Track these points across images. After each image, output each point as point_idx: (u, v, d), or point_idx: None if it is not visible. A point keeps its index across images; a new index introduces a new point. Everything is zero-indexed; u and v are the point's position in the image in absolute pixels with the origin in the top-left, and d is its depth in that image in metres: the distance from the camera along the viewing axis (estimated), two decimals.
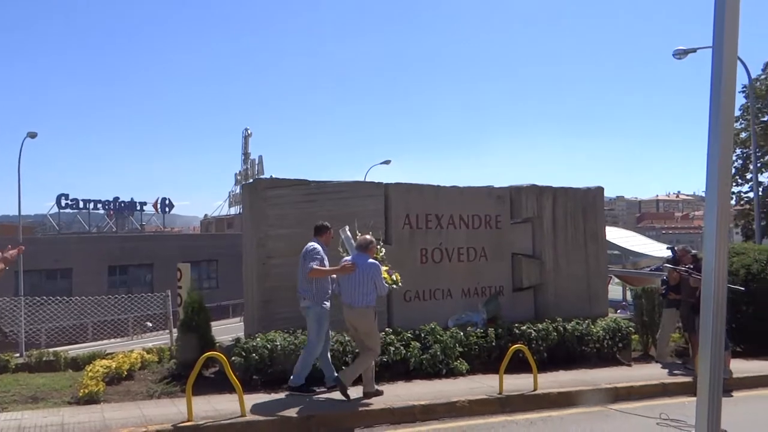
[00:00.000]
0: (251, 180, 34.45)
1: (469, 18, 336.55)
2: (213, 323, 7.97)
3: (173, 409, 6.18)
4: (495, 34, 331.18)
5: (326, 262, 6.86)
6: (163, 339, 10.38)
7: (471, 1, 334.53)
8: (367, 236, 6.94)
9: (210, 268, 35.46)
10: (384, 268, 6.95)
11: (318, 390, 6.87)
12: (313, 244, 6.88)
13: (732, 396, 7.68)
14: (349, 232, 7.16)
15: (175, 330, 8.96)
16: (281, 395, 6.74)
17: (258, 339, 7.20)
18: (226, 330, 16.23)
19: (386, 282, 6.84)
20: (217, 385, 6.96)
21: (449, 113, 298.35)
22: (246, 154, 59.98)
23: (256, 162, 58.39)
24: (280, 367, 7.08)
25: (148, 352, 8.48)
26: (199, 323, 7.56)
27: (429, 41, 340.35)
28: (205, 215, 72.65)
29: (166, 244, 35.80)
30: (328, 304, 6.85)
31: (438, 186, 9.12)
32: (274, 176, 8.63)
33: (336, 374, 6.78)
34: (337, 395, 6.63)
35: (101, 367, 7.30)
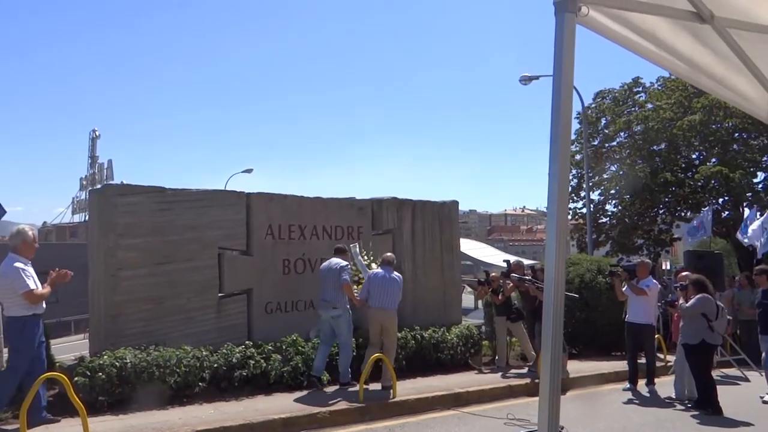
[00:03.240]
0: (99, 185, 31.90)
1: (326, 27, 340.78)
2: (53, 341, 7.30)
3: None
4: (356, 43, 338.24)
5: None
6: None
7: (330, 8, 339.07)
8: (389, 254, 8.39)
9: None
10: None
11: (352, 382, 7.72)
12: (342, 262, 7.92)
13: (567, 395, 8.43)
14: (357, 249, 8.58)
15: (6, 350, 8.08)
16: (130, 416, 6.33)
17: (105, 357, 6.70)
18: (68, 348, 14.89)
19: None
20: (57, 408, 6.34)
21: (312, 124, 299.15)
22: (93, 158, 55.55)
23: (105, 166, 54.20)
24: (130, 387, 6.65)
25: None
26: None
27: (288, 48, 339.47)
28: (44, 223, 66.23)
29: None
30: (350, 309, 7.93)
31: (301, 197, 9.11)
32: (125, 182, 8.13)
33: (319, 373, 7.73)
34: None
35: None
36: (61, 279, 6.10)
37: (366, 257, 8.90)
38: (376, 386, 7.73)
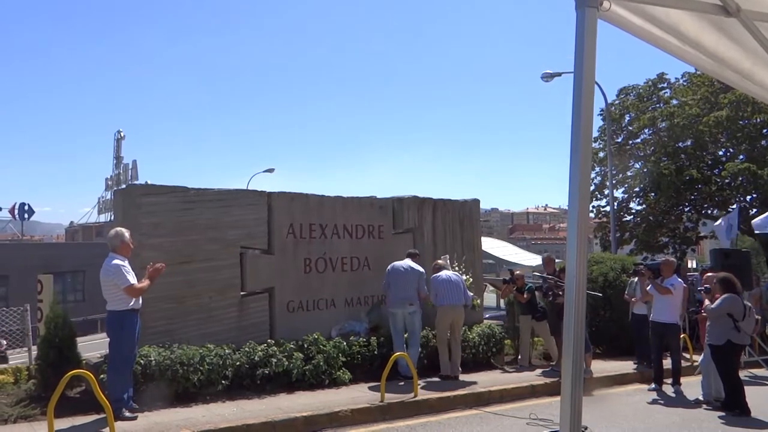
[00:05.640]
0: (124, 185, 32.40)
1: (346, 26, 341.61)
2: (79, 339, 7.41)
3: None
4: (377, 42, 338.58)
5: None
6: (20, 358, 9.48)
7: (351, 8, 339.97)
8: (440, 260, 9.10)
9: (76, 279, 32.80)
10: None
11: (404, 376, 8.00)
12: (418, 266, 8.59)
13: (592, 395, 8.34)
14: (448, 261, 9.32)
15: (34, 348, 8.24)
16: (155, 414, 6.42)
17: None
18: (94, 346, 15.13)
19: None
20: (84, 406, 6.45)
21: (333, 123, 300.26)
22: (118, 158, 56.39)
23: (130, 167, 54.95)
24: (154, 384, 6.73)
25: (2, 373, 7.71)
26: (63, 339, 7.00)
27: (308, 48, 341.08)
28: (71, 222, 67.46)
29: (24, 253, 32.67)
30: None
31: (322, 196, 9.14)
32: (149, 182, 8.24)
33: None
34: None
35: None
36: (157, 273, 6.56)
37: (458, 268, 9.50)
38: (395, 385, 7.71)
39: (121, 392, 6.24)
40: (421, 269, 8.60)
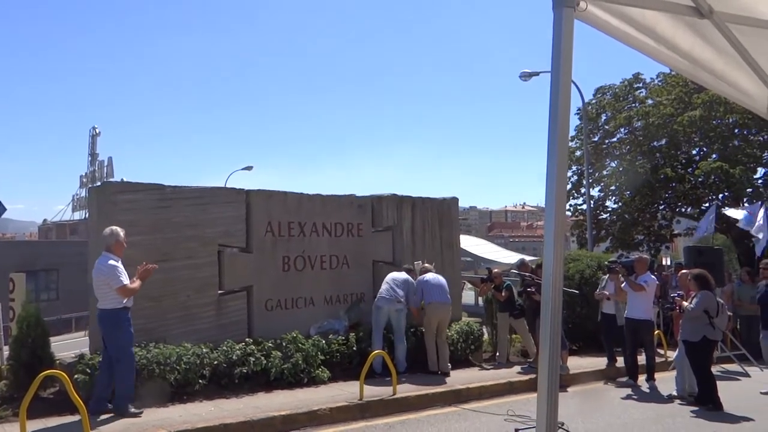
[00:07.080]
0: (99, 183, 31.96)
1: (330, 25, 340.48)
2: (53, 338, 7.30)
3: None
4: (356, 42, 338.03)
5: None
6: None
7: (331, 7, 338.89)
8: (428, 264, 9.43)
9: (49, 278, 32.24)
10: None
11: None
12: (410, 278, 8.92)
13: (567, 391, 8.43)
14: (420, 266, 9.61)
15: (6, 348, 8.09)
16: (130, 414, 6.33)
17: None
18: (69, 346, 14.92)
19: None
20: (58, 406, 6.35)
21: (312, 122, 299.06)
22: (93, 155, 55.58)
23: (105, 164, 54.15)
24: None
25: None
26: (36, 339, 6.88)
27: (291, 46, 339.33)
28: (45, 220, 66.40)
29: None
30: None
31: (301, 194, 9.10)
32: (125, 179, 8.13)
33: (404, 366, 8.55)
34: None
35: None
36: (148, 273, 6.58)
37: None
38: (374, 383, 7.72)
39: (132, 388, 6.32)
40: (413, 280, 8.94)
